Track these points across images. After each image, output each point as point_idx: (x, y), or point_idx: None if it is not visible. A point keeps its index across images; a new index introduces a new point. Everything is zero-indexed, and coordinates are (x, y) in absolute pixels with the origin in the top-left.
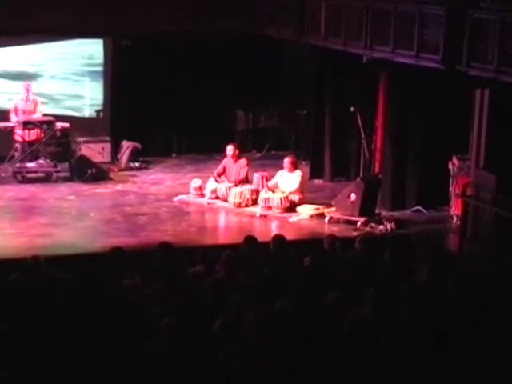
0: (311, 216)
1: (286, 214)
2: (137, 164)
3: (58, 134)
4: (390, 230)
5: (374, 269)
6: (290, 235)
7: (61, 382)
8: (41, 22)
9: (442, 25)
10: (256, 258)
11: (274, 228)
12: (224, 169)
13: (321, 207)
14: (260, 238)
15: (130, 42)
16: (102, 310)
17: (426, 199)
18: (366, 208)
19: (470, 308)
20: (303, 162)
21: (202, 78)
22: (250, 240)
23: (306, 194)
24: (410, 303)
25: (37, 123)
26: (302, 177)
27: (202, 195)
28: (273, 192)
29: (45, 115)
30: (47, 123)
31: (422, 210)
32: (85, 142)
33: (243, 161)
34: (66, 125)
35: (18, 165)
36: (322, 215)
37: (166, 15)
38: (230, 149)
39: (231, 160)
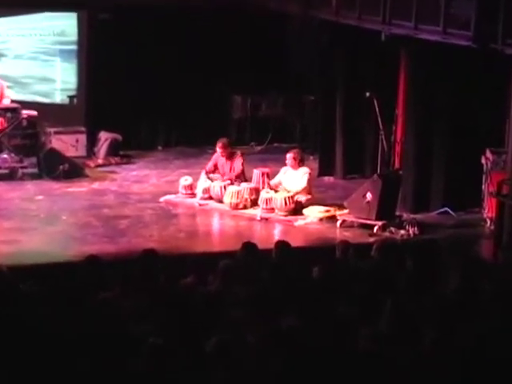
0: (320, 219)
1: (290, 217)
2: (117, 158)
3: (25, 123)
4: (412, 235)
5: (394, 280)
6: (295, 241)
7: None
8: None
9: None
10: (256, 268)
11: (276, 233)
12: (215, 166)
13: (331, 209)
14: (261, 244)
15: (108, 15)
16: (76, 328)
17: (455, 199)
18: (385, 210)
19: (509, 325)
20: (311, 157)
21: (193, 58)
22: (249, 247)
23: (315, 193)
24: (435, 320)
25: None
26: (310, 174)
27: (193, 195)
28: (275, 191)
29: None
30: (11, 111)
31: (450, 211)
32: (56, 132)
33: (236, 154)
34: (34, 113)
35: None
36: (332, 218)
37: None
38: (218, 147)
39: (223, 157)
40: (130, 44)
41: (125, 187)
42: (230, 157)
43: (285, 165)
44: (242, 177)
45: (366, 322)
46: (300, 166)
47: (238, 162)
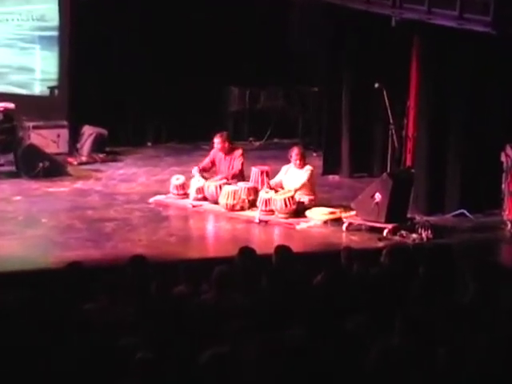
0: (324, 222)
1: (292, 220)
2: (102, 155)
3: (1, 116)
4: (425, 239)
5: (406, 289)
6: (297, 246)
7: None
8: None
9: None
10: (254, 275)
11: (276, 237)
12: (212, 163)
13: (337, 211)
14: (259, 249)
15: None
16: (57, 342)
17: (472, 200)
18: (395, 212)
19: None
20: (314, 154)
21: (186, 45)
22: (247, 252)
23: (318, 193)
24: (451, 332)
25: None
26: (312, 171)
27: (186, 195)
28: (275, 192)
29: None
30: None
31: (467, 213)
32: (35, 127)
33: (237, 151)
34: (11, 105)
35: None
36: (338, 221)
37: None
38: (216, 142)
39: (221, 153)
40: (116, 30)
41: (111, 187)
42: (230, 153)
43: (286, 163)
44: (240, 176)
45: (375, 336)
46: (305, 165)
47: (237, 161)
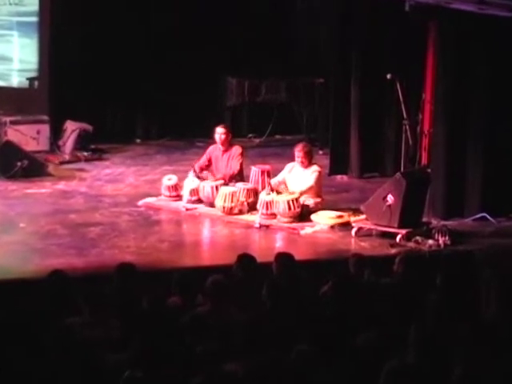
0: (331, 226)
1: (296, 225)
2: (86, 154)
3: None
4: (442, 245)
5: (421, 302)
6: (301, 253)
7: None
8: None
9: None
10: (254, 286)
11: (278, 243)
12: (209, 161)
13: (345, 214)
14: (259, 257)
15: None
16: (37, 359)
17: (494, 202)
18: (410, 215)
19: None
20: (320, 152)
21: (179, 31)
22: (246, 260)
23: (325, 195)
24: (472, 348)
25: None
26: (320, 172)
27: (179, 197)
28: (278, 193)
29: None
30: None
31: (489, 217)
32: (12, 122)
33: (236, 149)
34: None
35: None
36: (346, 226)
37: None
38: (219, 133)
39: (220, 149)
40: (102, 15)
41: (96, 188)
42: (228, 149)
43: (289, 160)
44: (238, 177)
45: (387, 354)
46: (311, 164)
47: (235, 161)
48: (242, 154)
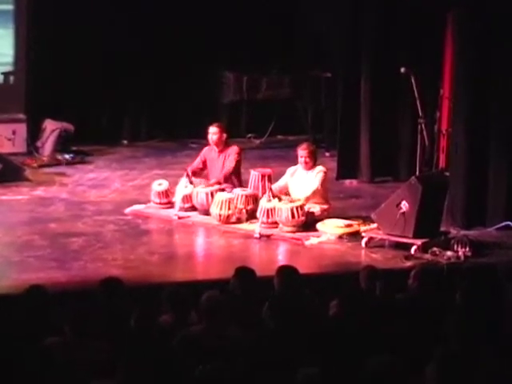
0: (339, 237)
1: (300, 234)
2: (67, 156)
3: None
4: (462, 258)
5: (439, 320)
6: (305, 266)
7: None
8: None
9: None
10: (253, 303)
11: (281, 255)
12: (204, 164)
13: (354, 223)
14: (260, 270)
15: None
16: (15, 380)
17: None
18: (426, 224)
19: None
20: (327, 154)
21: (172, 21)
22: (245, 274)
23: (332, 201)
24: (497, 370)
25: None
26: (325, 173)
27: (170, 204)
28: (280, 199)
29: None
30: None
31: None
32: None
33: (234, 148)
34: None
35: None
36: (356, 235)
37: None
38: (212, 132)
39: (215, 150)
40: (85, 3)
41: (78, 194)
42: (224, 150)
43: (291, 164)
44: (235, 179)
45: (402, 380)
46: (314, 166)
47: (231, 159)
48: (239, 153)
